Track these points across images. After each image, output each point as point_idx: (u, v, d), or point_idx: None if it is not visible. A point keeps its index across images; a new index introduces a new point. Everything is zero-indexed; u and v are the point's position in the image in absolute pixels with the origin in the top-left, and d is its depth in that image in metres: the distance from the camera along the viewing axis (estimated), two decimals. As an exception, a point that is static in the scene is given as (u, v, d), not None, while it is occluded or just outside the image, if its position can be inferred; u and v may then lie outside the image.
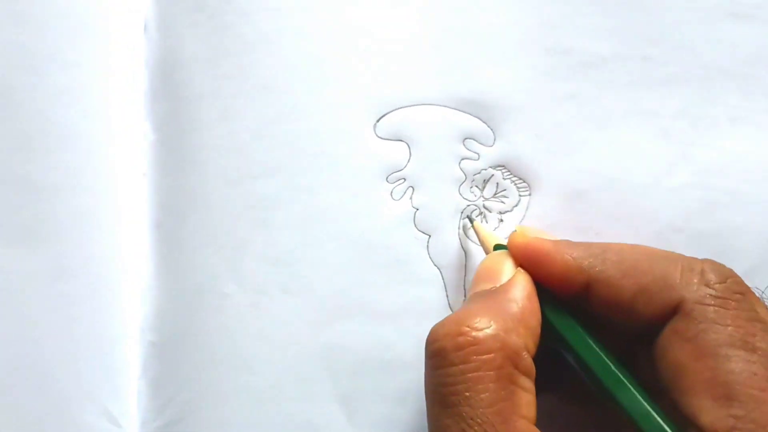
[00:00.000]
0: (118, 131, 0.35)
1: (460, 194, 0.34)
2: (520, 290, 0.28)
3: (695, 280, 0.26)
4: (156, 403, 0.34)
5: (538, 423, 0.26)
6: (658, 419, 0.25)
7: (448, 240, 0.34)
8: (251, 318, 0.34)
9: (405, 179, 0.34)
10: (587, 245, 0.28)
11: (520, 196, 0.34)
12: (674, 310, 0.26)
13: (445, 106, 0.34)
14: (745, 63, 0.34)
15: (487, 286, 0.29)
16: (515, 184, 0.34)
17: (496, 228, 0.34)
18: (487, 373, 0.25)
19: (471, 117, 0.34)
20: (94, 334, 0.34)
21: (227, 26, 0.34)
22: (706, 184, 0.34)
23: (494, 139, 0.34)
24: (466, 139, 0.34)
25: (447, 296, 0.34)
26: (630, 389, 0.26)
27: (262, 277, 0.34)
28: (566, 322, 0.28)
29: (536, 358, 0.27)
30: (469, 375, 0.25)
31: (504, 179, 0.34)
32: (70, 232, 0.34)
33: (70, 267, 0.34)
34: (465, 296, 0.34)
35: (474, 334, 0.26)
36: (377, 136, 0.34)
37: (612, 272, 0.27)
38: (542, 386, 0.29)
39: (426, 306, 0.34)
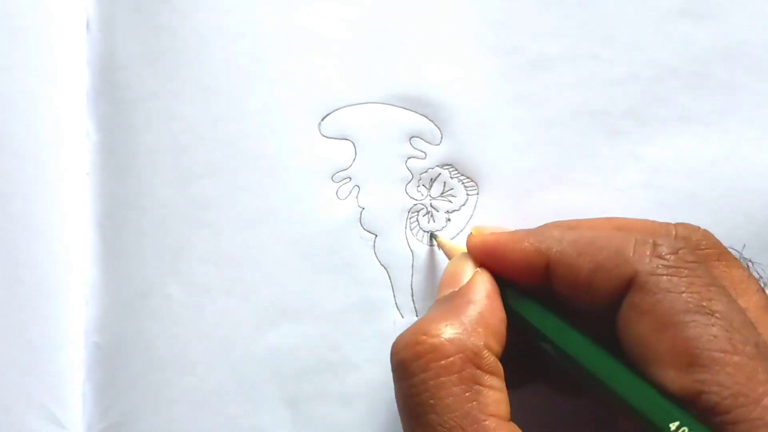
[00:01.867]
0: (61, 132, 0.34)
1: (407, 193, 0.34)
2: (479, 291, 0.28)
3: (647, 253, 0.25)
4: (101, 405, 0.34)
5: (525, 417, 0.26)
6: (647, 389, 0.24)
7: (395, 240, 0.34)
8: (194, 320, 0.33)
9: (350, 178, 0.34)
10: (545, 229, 0.28)
11: (467, 195, 0.34)
12: (629, 284, 0.25)
13: (391, 105, 0.34)
14: (695, 61, 0.34)
15: (449, 291, 0.29)
16: (463, 183, 0.34)
17: (443, 227, 0.34)
18: (449, 377, 0.25)
19: (417, 115, 0.34)
20: (37, 337, 0.34)
21: (165, 26, 0.34)
22: (655, 183, 0.33)
23: (441, 138, 0.34)
24: (412, 137, 0.34)
25: (394, 296, 0.33)
26: (613, 366, 0.25)
27: (204, 279, 0.33)
28: (535, 311, 0.27)
29: (512, 355, 0.27)
30: (431, 383, 0.25)
31: (451, 178, 0.34)
32: (11, 234, 0.34)
33: (11, 270, 0.34)
34: (412, 297, 0.34)
35: (430, 341, 0.26)
36: (322, 135, 0.34)
37: (569, 251, 0.27)
38: (527, 379, 0.29)
39: (372, 306, 0.33)
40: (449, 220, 0.34)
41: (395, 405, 0.32)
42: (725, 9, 0.34)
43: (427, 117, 0.34)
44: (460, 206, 0.34)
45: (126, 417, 0.33)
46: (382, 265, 0.33)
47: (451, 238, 0.34)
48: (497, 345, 0.27)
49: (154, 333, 0.33)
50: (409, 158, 0.34)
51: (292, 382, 0.33)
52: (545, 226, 0.29)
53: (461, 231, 0.34)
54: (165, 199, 0.34)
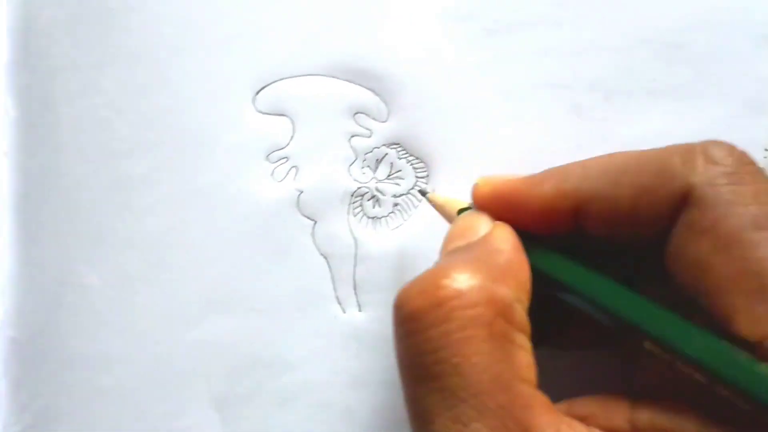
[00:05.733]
0: (-22, 106, 0.32)
1: (350, 175, 0.32)
2: (504, 241, 0.24)
3: (699, 162, 0.22)
4: (16, 404, 0.32)
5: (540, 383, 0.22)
6: (705, 337, 0.21)
7: (336, 226, 0.32)
8: (114, 312, 0.31)
9: (288, 158, 0.32)
10: (559, 171, 0.25)
11: (416, 177, 0.32)
12: (683, 202, 0.22)
13: (332, 77, 0.32)
14: (668, 31, 0.31)
15: (463, 243, 0.25)
16: (411, 165, 0.32)
17: (390, 212, 0.31)
18: (477, 331, 0.21)
19: (362, 89, 0.32)
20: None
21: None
22: (623, 164, 0.30)
23: (388, 114, 0.32)
24: (356, 113, 0.32)
25: (334, 288, 0.32)
26: (662, 314, 0.22)
27: (126, 267, 0.32)
28: (562, 264, 0.24)
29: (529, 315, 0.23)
30: (455, 336, 0.21)
31: (399, 159, 0.32)
32: None
33: None
34: (354, 289, 0.31)
35: (455, 286, 0.21)
36: (256, 110, 0.32)
37: (601, 184, 0.23)
38: (541, 340, 0.25)
39: (310, 299, 0.31)
40: (396, 204, 0.32)
41: (335, 407, 0.31)
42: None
43: (373, 91, 0.32)
44: (408, 190, 0.32)
45: (42, 417, 0.32)
46: (321, 254, 0.32)
47: (396, 227, 0.31)
48: (526, 302, 0.23)
49: (72, 326, 0.32)
50: (352, 136, 0.32)
51: (221, 381, 0.31)
52: (564, 165, 0.25)
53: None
54: (85, 179, 0.32)
